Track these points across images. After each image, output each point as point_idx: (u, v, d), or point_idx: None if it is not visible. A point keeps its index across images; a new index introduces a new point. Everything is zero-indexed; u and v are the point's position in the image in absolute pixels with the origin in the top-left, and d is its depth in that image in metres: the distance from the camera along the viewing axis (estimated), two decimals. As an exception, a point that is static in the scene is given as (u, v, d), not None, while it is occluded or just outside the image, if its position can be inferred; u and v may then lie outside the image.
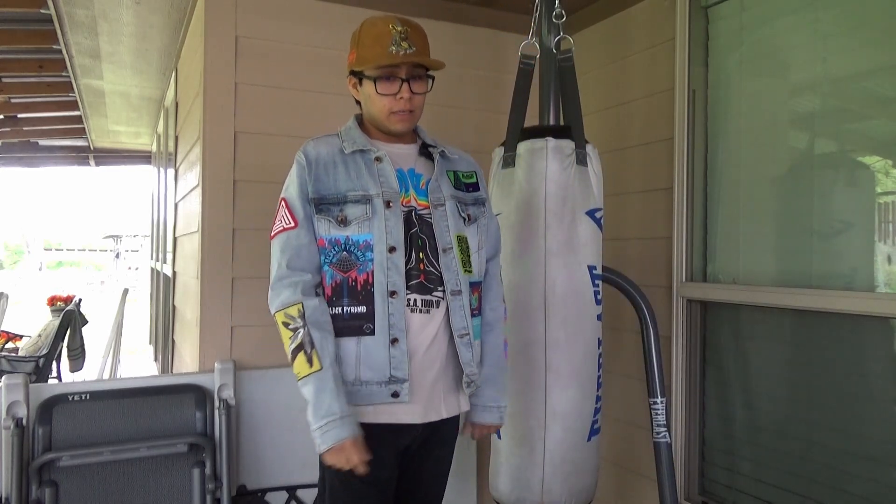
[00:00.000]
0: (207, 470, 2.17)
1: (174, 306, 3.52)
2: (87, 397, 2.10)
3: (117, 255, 23.32)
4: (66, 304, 5.40)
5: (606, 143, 2.60)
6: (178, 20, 3.04)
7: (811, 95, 2.00)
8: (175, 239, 3.52)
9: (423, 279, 1.50)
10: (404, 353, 1.45)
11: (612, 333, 2.59)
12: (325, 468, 1.49)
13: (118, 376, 5.66)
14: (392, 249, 1.47)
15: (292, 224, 1.49)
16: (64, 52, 3.59)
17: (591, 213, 1.99)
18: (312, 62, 2.53)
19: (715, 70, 2.29)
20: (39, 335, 5.22)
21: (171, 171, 3.85)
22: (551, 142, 1.96)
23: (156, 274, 5.08)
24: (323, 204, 1.49)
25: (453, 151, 1.66)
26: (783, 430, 2.04)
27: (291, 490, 2.36)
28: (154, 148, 5.81)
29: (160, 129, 4.81)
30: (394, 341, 1.45)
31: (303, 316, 1.42)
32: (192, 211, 2.75)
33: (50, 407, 2.05)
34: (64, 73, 4.02)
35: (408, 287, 1.48)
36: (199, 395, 2.23)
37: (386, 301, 1.45)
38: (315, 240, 1.50)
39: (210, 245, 2.38)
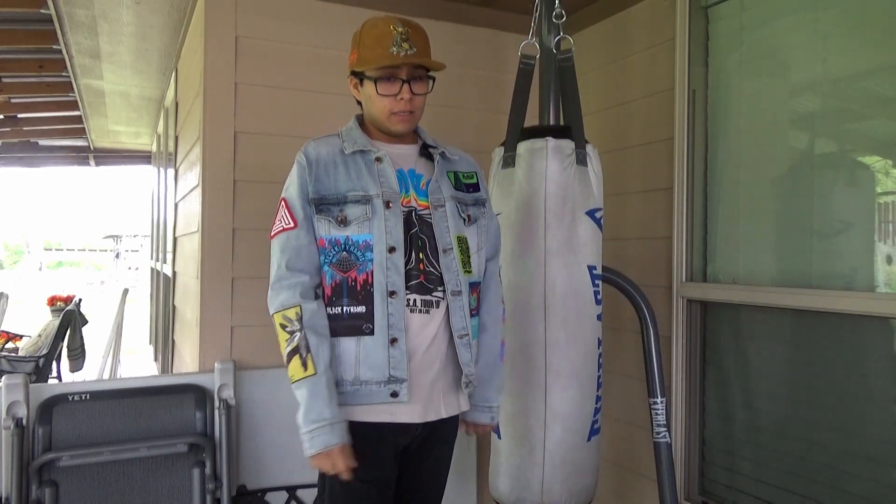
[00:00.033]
0: (207, 470, 2.17)
1: (174, 306, 3.52)
2: (87, 397, 2.10)
3: (117, 255, 23.32)
4: (66, 304, 5.40)
5: (606, 143, 2.60)
6: (178, 20, 3.04)
7: (811, 95, 2.00)
8: (175, 239, 3.52)
9: (423, 279, 1.50)
10: (403, 353, 1.46)
11: (612, 333, 2.59)
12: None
13: (118, 376, 5.66)
14: (392, 250, 1.47)
15: (292, 224, 1.49)
16: (64, 52, 3.59)
17: (591, 213, 1.99)
18: (312, 62, 2.53)
19: (715, 70, 2.29)
20: (39, 335, 5.22)
21: (171, 171, 3.85)
22: (551, 142, 1.96)
23: (156, 274, 5.08)
24: (323, 204, 1.49)
25: (454, 152, 1.66)
26: (783, 430, 2.04)
27: (291, 490, 2.36)
28: (154, 148, 5.81)
29: (160, 129, 4.81)
30: (393, 341, 1.45)
31: (300, 319, 1.43)
32: (192, 211, 2.75)
33: (50, 407, 2.05)
34: (64, 73, 4.02)
35: (407, 287, 1.48)
36: (199, 395, 2.23)
37: (385, 301, 1.46)
38: (315, 240, 1.50)
39: (210, 245, 2.38)
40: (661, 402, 2.08)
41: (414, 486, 1.61)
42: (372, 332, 1.45)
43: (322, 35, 2.54)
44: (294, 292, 1.45)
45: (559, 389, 1.93)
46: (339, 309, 1.47)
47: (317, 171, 1.51)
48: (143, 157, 6.88)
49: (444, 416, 1.55)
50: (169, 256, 3.79)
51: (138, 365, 6.63)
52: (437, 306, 1.51)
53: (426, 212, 1.53)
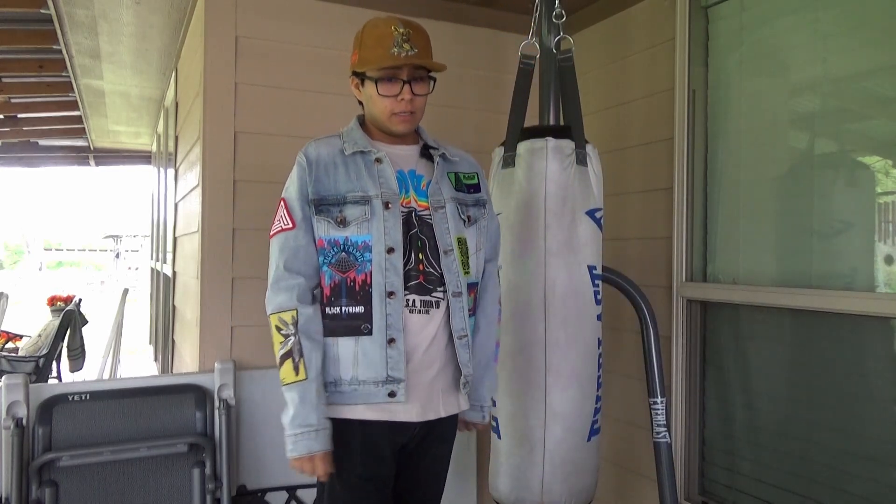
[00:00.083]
0: (207, 470, 2.17)
1: (174, 306, 3.52)
2: (87, 397, 2.10)
3: (117, 256, 23.31)
4: (66, 304, 5.40)
5: (606, 143, 2.60)
6: (178, 20, 3.04)
7: (811, 95, 2.00)
8: (175, 239, 3.52)
9: (423, 280, 1.50)
10: (401, 354, 1.46)
11: (612, 333, 2.59)
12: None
13: (118, 376, 5.66)
14: (390, 250, 1.47)
15: (290, 225, 1.50)
16: (64, 52, 3.59)
17: (591, 213, 1.99)
18: (312, 62, 2.53)
19: (715, 70, 2.29)
20: (39, 335, 5.22)
21: (171, 171, 3.85)
22: (551, 142, 1.96)
23: (156, 274, 5.08)
24: (323, 205, 1.50)
25: (455, 152, 1.66)
26: (783, 430, 2.04)
27: (291, 490, 2.36)
28: (154, 148, 5.81)
29: (160, 129, 4.81)
30: (391, 341, 1.46)
31: (296, 324, 1.45)
32: (192, 211, 2.75)
33: (50, 407, 2.05)
34: (64, 73, 4.02)
35: (407, 288, 1.48)
36: (199, 395, 2.23)
37: (383, 301, 1.46)
38: (313, 241, 1.50)
39: (210, 245, 2.38)
40: (661, 402, 2.08)
41: (412, 485, 1.61)
42: (370, 333, 1.46)
43: (322, 35, 2.54)
44: (291, 295, 1.46)
45: (559, 389, 1.93)
46: (338, 309, 1.48)
47: (317, 172, 1.51)
48: (143, 157, 6.88)
49: (443, 415, 1.56)
50: (169, 256, 3.79)
51: (138, 365, 6.63)
52: (437, 307, 1.51)
53: (426, 212, 1.54)
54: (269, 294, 1.49)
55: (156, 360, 4.76)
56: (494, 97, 2.83)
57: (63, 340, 5.02)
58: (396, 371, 1.46)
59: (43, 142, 6.52)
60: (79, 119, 5.41)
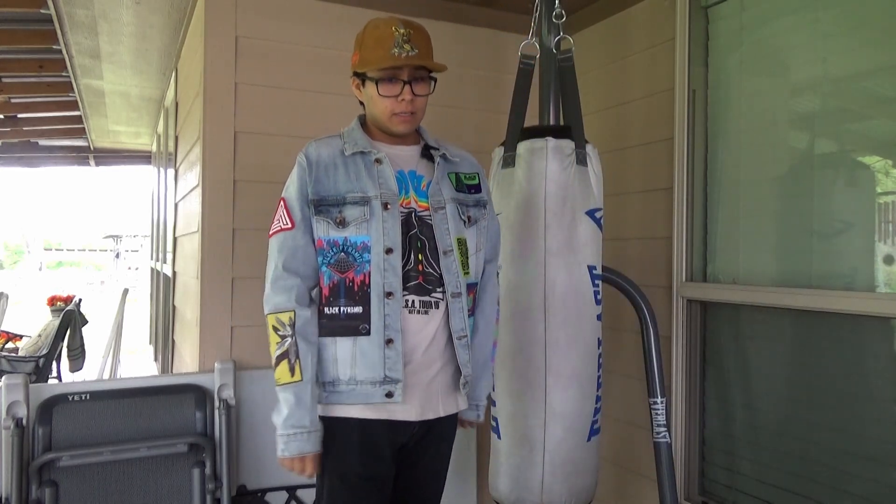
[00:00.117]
0: (207, 470, 2.17)
1: (174, 306, 3.52)
2: (87, 397, 2.10)
3: (117, 256, 23.31)
4: (66, 304, 5.40)
5: (606, 143, 2.60)
6: (178, 20, 3.04)
7: (811, 95, 2.00)
8: (175, 239, 3.52)
9: (422, 280, 1.50)
10: (399, 354, 1.46)
11: (612, 333, 2.59)
12: (323, 465, 1.50)
13: (118, 376, 5.66)
14: (389, 251, 1.47)
15: (289, 225, 1.50)
16: (64, 52, 3.59)
17: (591, 213, 1.99)
18: (312, 62, 2.53)
19: (715, 70, 2.29)
20: (39, 335, 5.22)
21: (171, 171, 3.85)
22: (551, 142, 1.96)
23: (156, 274, 5.08)
24: (322, 205, 1.50)
25: (456, 153, 1.66)
26: (783, 430, 2.04)
27: (291, 490, 2.36)
28: (154, 148, 5.81)
29: (160, 129, 4.81)
30: (388, 342, 1.46)
31: (293, 325, 1.46)
32: (192, 211, 2.75)
33: (50, 407, 2.05)
34: (64, 73, 4.02)
35: (406, 288, 1.48)
36: (199, 395, 2.23)
37: (382, 302, 1.46)
38: (312, 241, 1.51)
39: (210, 245, 2.38)
40: (661, 402, 2.08)
41: (412, 484, 1.62)
42: (368, 333, 1.46)
43: (322, 35, 2.54)
44: (290, 296, 1.47)
45: (559, 389, 1.93)
46: (337, 309, 1.48)
47: (317, 173, 1.51)
48: (143, 157, 6.88)
49: (442, 415, 1.56)
50: (169, 256, 3.79)
51: (138, 365, 6.63)
52: (436, 307, 1.51)
53: (426, 213, 1.54)
54: (267, 293, 1.49)
55: (156, 360, 4.76)
56: (494, 97, 2.83)
57: (63, 340, 5.02)
58: (394, 371, 1.46)
59: (43, 142, 6.52)
60: (79, 119, 5.41)
